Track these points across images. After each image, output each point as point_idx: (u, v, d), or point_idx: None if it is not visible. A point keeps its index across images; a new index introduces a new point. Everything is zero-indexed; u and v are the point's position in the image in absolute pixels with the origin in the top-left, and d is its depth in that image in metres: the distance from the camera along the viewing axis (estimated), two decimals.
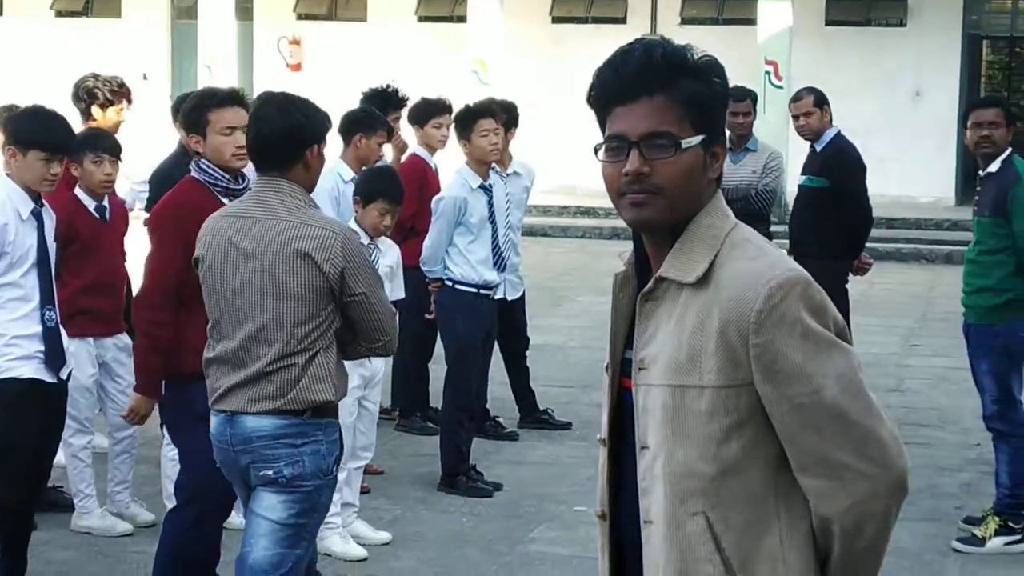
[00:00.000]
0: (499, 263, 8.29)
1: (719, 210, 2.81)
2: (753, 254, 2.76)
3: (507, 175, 8.93)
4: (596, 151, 2.81)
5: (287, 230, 4.70)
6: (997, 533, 7.09)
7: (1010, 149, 7.12)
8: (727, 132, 9.39)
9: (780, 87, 19.61)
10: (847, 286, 9.25)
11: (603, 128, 2.81)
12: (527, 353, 9.53)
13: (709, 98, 2.78)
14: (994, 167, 7.10)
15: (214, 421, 4.83)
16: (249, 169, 5.44)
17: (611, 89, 2.77)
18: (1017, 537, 7.10)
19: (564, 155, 19.95)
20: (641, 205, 2.74)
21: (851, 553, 2.78)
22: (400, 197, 6.98)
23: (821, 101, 9.10)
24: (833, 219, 8.97)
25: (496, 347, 8.98)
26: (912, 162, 21.45)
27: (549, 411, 9.54)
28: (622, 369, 2.89)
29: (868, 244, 9.41)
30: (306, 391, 4.70)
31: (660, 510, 2.77)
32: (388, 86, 9.21)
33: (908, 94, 21.93)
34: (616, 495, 2.91)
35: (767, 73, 20.16)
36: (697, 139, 2.75)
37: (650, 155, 2.72)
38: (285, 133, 4.75)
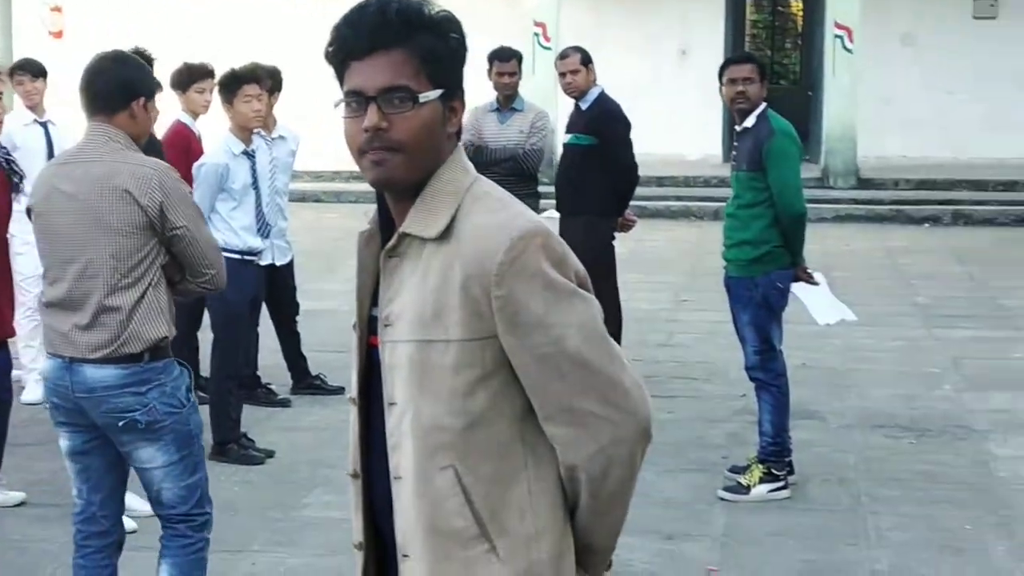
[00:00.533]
0: (263, 229, 8.19)
1: (460, 165, 2.80)
2: (494, 207, 2.76)
3: (272, 139, 8.83)
4: (336, 107, 2.79)
5: (106, 169, 4.84)
6: (761, 481, 7.26)
7: (765, 104, 7.27)
8: (495, 92, 9.54)
9: (549, 48, 19.73)
10: (614, 243, 9.37)
11: (341, 84, 2.78)
12: (297, 319, 9.46)
13: (446, 52, 2.77)
14: (750, 122, 7.24)
15: (51, 365, 4.93)
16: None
17: (348, 44, 2.75)
18: (780, 484, 7.28)
19: (332, 120, 19.78)
20: (382, 164, 2.73)
21: (598, 499, 2.80)
22: None
23: (587, 60, 9.18)
24: (599, 177, 9.07)
25: (267, 313, 8.88)
26: (680, 121, 21.80)
27: (321, 376, 9.48)
28: (370, 327, 2.88)
29: (639, 202, 9.57)
30: (140, 329, 4.82)
31: (409, 465, 2.77)
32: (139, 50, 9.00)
33: (674, 53, 22.27)
34: (367, 453, 2.91)
35: (536, 35, 20.27)
36: (435, 93, 2.74)
37: (388, 110, 2.71)
38: (117, 81, 4.93)
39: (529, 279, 2.67)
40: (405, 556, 2.80)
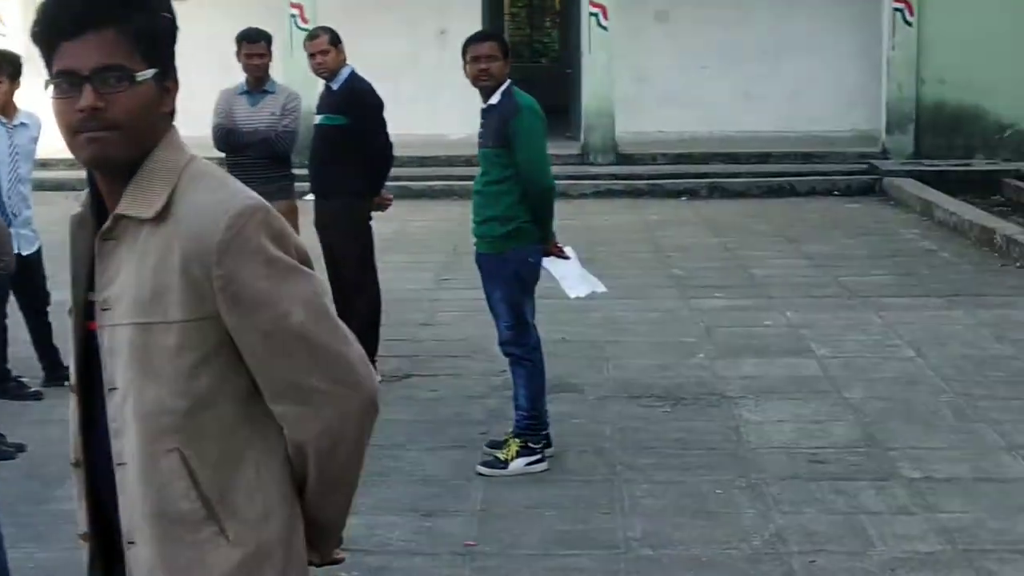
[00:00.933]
0: (6, 218, 7.99)
1: (175, 144, 2.78)
2: (212, 186, 2.74)
3: (13, 127, 8.60)
4: (46, 88, 2.73)
5: None
6: (518, 454, 7.34)
7: (509, 81, 7.33)
8: (245, 74, 9.43)
9: (306, 29, 19.53)
10: (371, 223, 9.37)
11: (49, 65, 2.72)
12: (48, 309, 9.24)
13: (159, 31, 2.74)
14: (495, 99, 7.30)
15: None
16: None
17: (57, 24, 2.70)
18: (537, 457, 7.37)
19: None
20: (98, 142, 2.69)
21: (327, 475, 2.81)
22: None
23: (336, 40, 9.14)
24: (353, 157, 9.06)
25: (17, 304, 8.66)
26: (441, 101, 21.82)
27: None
28: (87, 312, 2.84)
29: (402, 183, 9.57)
30: None
31: (133, 451, 2.74)
32: None
33: (434, 33, 22.27)
34: (90, 441, 2.87)
35: (293, 16, 20.10)
36: (151, 72, 2.71)
37: (104, 89, 2.67)
38: None
39: (250, 256, 2.66)
40: (131, 543, 2.78)
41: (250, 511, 2.75)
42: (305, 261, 2.77)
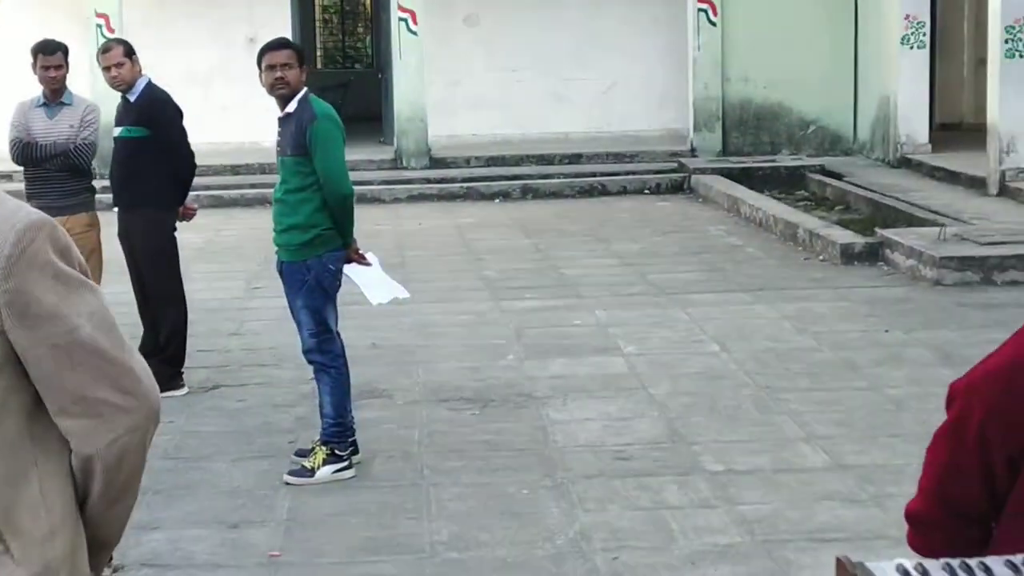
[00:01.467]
0: None
1: None
2: None
3: None
4: None
5: None
6: (325, 462, 7.33)
7: (306, 89, 7.32)
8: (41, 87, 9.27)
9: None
10: (176, 233, 9.29)
11: None
12: None
13: None
14: (292, 107, 7.29)
15: None
16: None
17: None
18: (345, 464, 7.37)
19: None
20: None
21: (112, 488, 2.80)
22: None
23: (130, 51, 9.04)
24: (155, 168, 8.97)
25: None
26: (253, 108, 21.64)
27: None
28: None
29: (214, 191, 9.49)
30: None
31: None
32: None
33: (243, 41, 22.10)
34: None
35: (99, 26, 19.79)
36: None
37: None
38: None
39: (39, 270, 2.65)
40: None
41: (35, 529, 2.73)
42: (87, 275, 2.76)
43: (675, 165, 19.62)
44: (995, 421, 2.77)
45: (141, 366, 2.78)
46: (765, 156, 20.07)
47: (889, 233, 13.17)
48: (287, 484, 7.27)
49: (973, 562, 2.59)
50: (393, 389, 9.09)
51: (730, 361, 9.59)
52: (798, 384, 8.99)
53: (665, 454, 7.67)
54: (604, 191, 18.78)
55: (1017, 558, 2.59)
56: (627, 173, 19.34)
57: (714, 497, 6.99)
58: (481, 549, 6.39)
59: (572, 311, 11.33)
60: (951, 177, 17.39)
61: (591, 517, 6.75)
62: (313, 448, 7.43)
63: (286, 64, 7.21)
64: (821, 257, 13.34)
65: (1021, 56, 15.84)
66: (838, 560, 2.64)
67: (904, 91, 18.83)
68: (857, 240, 13.29)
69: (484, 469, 7.48)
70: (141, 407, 2.76)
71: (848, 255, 12.97)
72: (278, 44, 7.43)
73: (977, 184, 16.50)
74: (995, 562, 2.59)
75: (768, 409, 8.47)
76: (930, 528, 2.95)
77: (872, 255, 12.92)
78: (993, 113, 16.14)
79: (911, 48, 18.72)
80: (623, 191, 18.78)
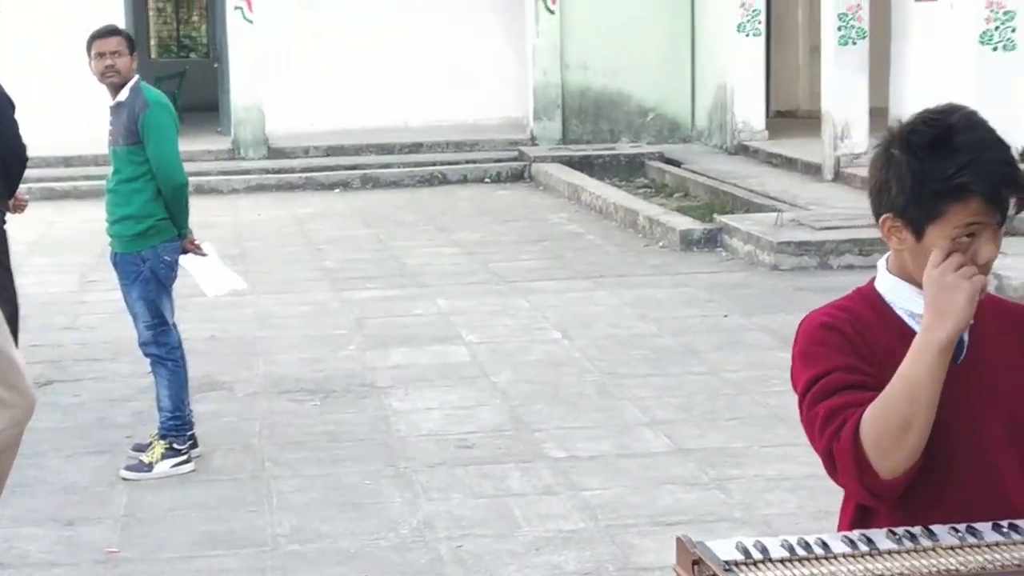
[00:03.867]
0: None
1: None
2: None
3: None
4: None
5: None
6: (163, 457, 7.20)
7: (137, 76, 7.18)
8: None
9: None
10: (6, 226, 9.04)
11: None
12: None
13: None
14: (123, 96, 7.14)
15: None
16: None
17: None
18: (183, 458, 7.24)
19: None
20: None
21: None
22: None
23: None
24: None
25: None
26: (88, 98, 21.28)
27: None
28: None
29: (45, 183, 9.24)
30: None
31: None
32: None
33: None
34: None
35: None
36: None
37: None
38: None
39: None
40: None
41: None
42: None
43: (515, 154, 19.66)
44: (858, 352, 2.80)
45: (22, 362, 2.72)
46: (605, 144, 20.19)
47: (727, 219, 13.32)
48: (124, 479, 7.13)
49: (812, 538, 2.60)
50: (233, 381, 8.97)
51: (572, 348, 9.62)
52: (639, 370, 9.04)
53: (508, 442, 7.66)
54: (445, 180, 18.76)
55: (854, 534, 2.60)
56: (467, 162, 19.33)
57: (557, 483, 6.99)
58: (323, 541, 6.32)
59: (413, 300, 11.28)
60: (787, 163, 17.65)
61: (434, 506, 6.71)
62: (151, 442, 7.29)
63: (115, 52, 7.07)
64: (661, 244, 13.44)
65: (854, 43, 16.11)
66: (679, 540, 2.64)
67: (740, 78, 19.05)
68: (696, 226, 13.42)
69: (325, 460, 7.41)
70: (25, 401, 2.72)
71: (687, 241, 13.09)
72: (107, 31, 7.26)
73: (812, 170, 16.76)
74: (833, 538, 2.61)
75: (610, 395, 8.50)
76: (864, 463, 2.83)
77: (711, 241, 13.05)
78: (828, 100, 16.41)
79: (747, 35, 18.95)
80: (464, 180, 18.76)
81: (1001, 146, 2.71)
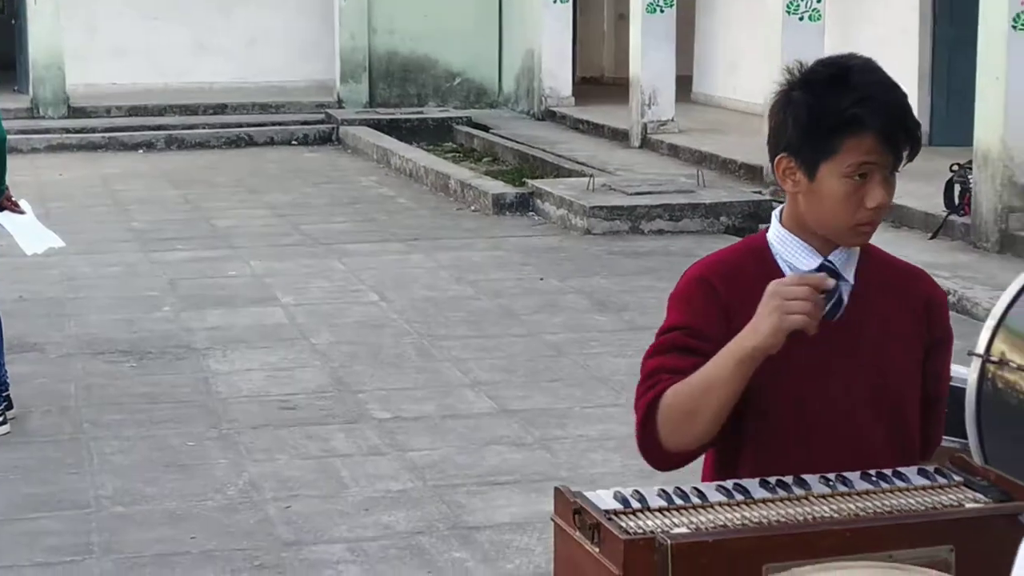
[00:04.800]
0: None
1: None
2: None
3: None
4: None
5: None
6: None
7: None
8: None
9: None
10: None
11: None
12: None
13: None
14: None
15: None
16: None
17: None
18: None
19: None
20: None
21: None
22: None
23: None
24: None
25: None
26: None
27: None
28: None
29: None
30: None
31: None
32: None
33: None
34: None
35: None
36: None
37: None
38: None
39: None
40: None
41: None
42: None
43: (322, 116, 19.49)
44: (696, 325, 2.83)
45: None
46: (412, 108, 20.12)
47: (540, 184, 13.39)
48: None
49: (688, 487, 2.63)
50: (44, 343, 8.76)
51: (389, 310, 9.59)
52: (458, 332, 9.06)
53: (331, 403, 7.61)
54: (251, 142, 18.51)
55: (728, 483, 2.64)
56: (274, 124, 19.10)
57: (383, 444, 6.98)
58: (148, 503, 6.22)
59: (226, 262, 11.13)
60: (595, 129, 17.80)
61: (260, 467, 6.65)
62: None
63: None
64: (473, 208, 13.46)
65: (662, 11, 16.30)
66: (557, 491, 2.64)
67: (548, 45, 19.14)
68: (509, 190, 13.47)
69: (146, 422, 7.28)
70: None
71: (500, 205, 13.13)
72: None
73: (620, 136, 16.94)
74: (709, 487, 2.64)
75: (431, 357, 8.50)
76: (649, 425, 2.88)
77: (523, 205, 13.11)
78: (635, 67, 16.58)
79: (554, 2, 19.03)
80: (270, 142, 18.54)
81: (898, 90, 2.76)
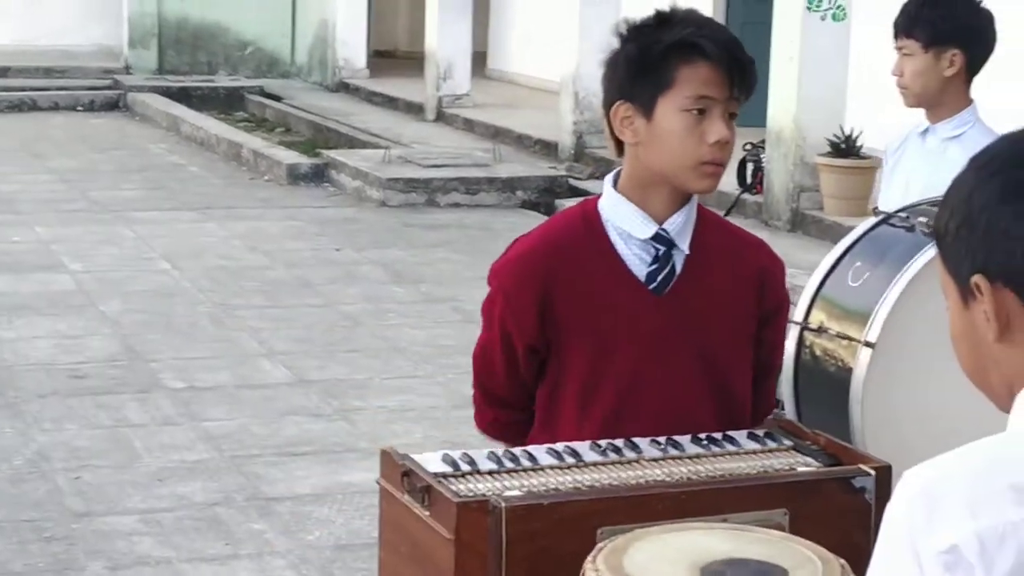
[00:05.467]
0: None
1: None
2: None
3: None
4: None
5: None
6: None
7: None
8: None
9: None
10: None
11: None
12: None
13: None
14: None
15: None
16: None
17: None
18: None
19: None
20: None
21: None
22: None
23: None
24: None
25: None
26: None
27: None
28: None
29: None
30: None
31: None
32: None
33: None
34: None
35: None
36: None
37: None
38: None
39: None
40: None
41: None
42: None
43: (110, 82, 18.98)
44: (511, 311, 2.75)
45: None
46: (203, 76, 19.72)
47: (335, 154, 13.24)
48: None
49: (518, 450, 2.57)
50: None
51: (182, 279, 9.37)
52: (254, 301, 8.89)
53: (122, 372, 7.40)
54: (35, 107, 17.93)
55: (559, 446, 2.59)
56: (59, 89, 18.54)
57: (178, 414, 6.80)
58: None
59: (10, 227, 10.75)
60: (389, 102, 17.67)
61: (48, 437, 6.43)
62: None
63: None
64: (267, 177, 13.24)
65: None
66: (384, 453, 2.56)
67: (342, 15, 18.93)
68: (303, 160, 13.29)
69: None
70: None
71: (294, 175, 12.94)
72: None
73: (415, 109, 16.83)
74: (539, 450, 2.58)
75: (225, 326, 8.33)
76: (479, 409, 2.92)
77: (318, 176, 12.94)
78: (431, 40, 16.48)
79: None
80: (55, 107, 17.98)
81: (728, 30, 2.74)
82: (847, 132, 10.60)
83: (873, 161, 10.50)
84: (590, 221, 2.77)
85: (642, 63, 2.66)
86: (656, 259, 2.72)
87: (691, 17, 2.69)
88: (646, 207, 2.73)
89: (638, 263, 2.73)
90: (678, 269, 2.75)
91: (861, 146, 10.59)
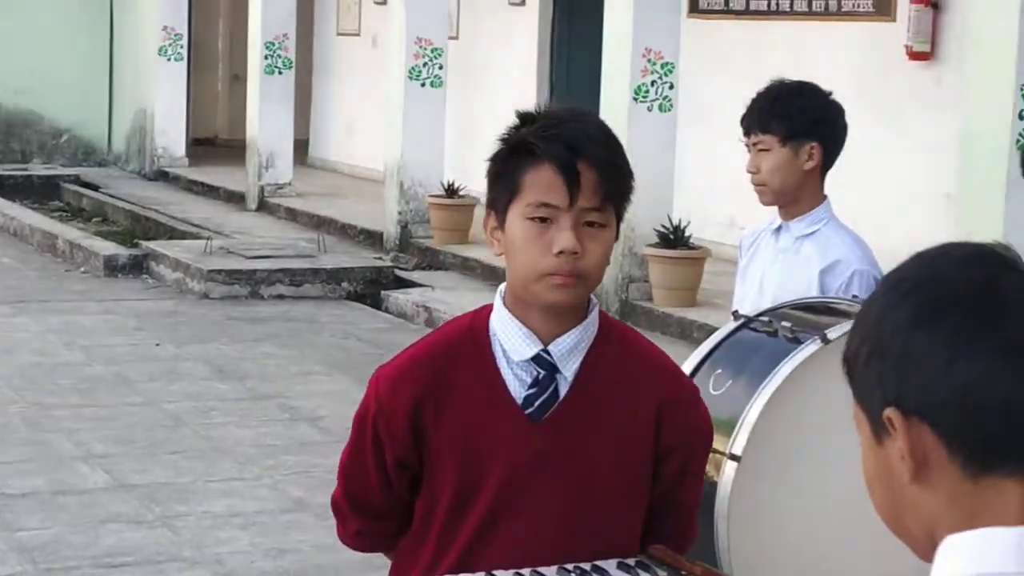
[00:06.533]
0: None
1: None
2: None
3: None
4: None
5: None
6: None
7: None
8: None
9: None
10: None
11: None
12: None
13: None
14: None
15: None
16: None
17: None
18: None
19: None
20: None
21: None
22: None
23: None
24: None
25: None
26: None
27: None
28: None
29: None
30: None
31: None
32: None
33: None
34: None
35: None
36: None
37: None
38: None
39: None
40: None
41: None
42: None
43: None
44: (383, 420, 2.56)
45: None
46: (16, 164, 19.21)
47: (155, 245, 12.91)
48: None
49: None
50: None
51: None
52: (70, 400, 8.54)
53: None
54: None
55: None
56: None
57: None
58: None
59: None
60: (210, 191, 17.36)
61: None
62: None
63: None
64: (83, 269, 12.84)
65: (280, 73, 16.05)
66: None
67: (161, 103, 18.60)
68: (121, 252, 12.93)
69: None
70: None
71: (112, 267, 12.57)
72: None
73: (236, 199, 16.55)
74: None
75: (40, 427, 7.97)
76: (343, 517, 2.69)
77: (137, 267, 12.59)
78: (253, 129, 16.25)
79: (168, 60, 18.52)
80: None
81: (591, 122, 2.53)
82: (675, 222, 10.56)
83: (702, 251, 10.50)
84: (476, 334, 2.56)
85: (494, 168, 2.51)
86: (536, 382, 2.52)
87: (555, 114, 2.53)
88: (528, 323, 2.52)
89: (517, 385, 2.53)
90: (561, 394, 2.53)
91: (689, 236, 10.54)
